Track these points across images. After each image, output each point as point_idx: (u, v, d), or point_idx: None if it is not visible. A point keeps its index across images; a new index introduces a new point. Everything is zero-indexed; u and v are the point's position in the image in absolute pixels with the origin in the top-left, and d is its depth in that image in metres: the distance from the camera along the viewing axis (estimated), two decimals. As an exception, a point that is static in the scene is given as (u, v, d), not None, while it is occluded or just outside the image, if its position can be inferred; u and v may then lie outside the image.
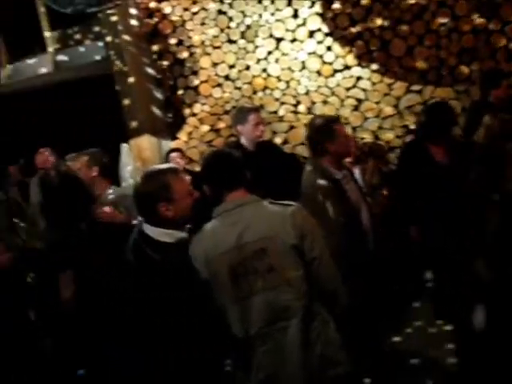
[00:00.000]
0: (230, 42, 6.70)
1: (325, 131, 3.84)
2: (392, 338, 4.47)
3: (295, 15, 6.42)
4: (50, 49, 7.34)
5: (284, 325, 2.50)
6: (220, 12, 6.71)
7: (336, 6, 6.21)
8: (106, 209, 4.13)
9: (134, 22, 6.81)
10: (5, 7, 7.46)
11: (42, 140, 6.92)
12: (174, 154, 6.03)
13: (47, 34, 7.33)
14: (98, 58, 7.18)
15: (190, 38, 6.85)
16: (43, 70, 7.37)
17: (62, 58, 7.31)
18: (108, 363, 3.71)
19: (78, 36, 7.38)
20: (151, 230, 2.64)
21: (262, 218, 2.56)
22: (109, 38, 6.78)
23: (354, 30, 6.20)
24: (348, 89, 6.29)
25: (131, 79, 6.66)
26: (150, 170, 2.73)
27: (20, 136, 7.50)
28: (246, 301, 2.53)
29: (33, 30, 7.40)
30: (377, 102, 6.22)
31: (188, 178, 2.79)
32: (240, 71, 6.67)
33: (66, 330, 4.11)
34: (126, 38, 6.70)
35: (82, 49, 7.31)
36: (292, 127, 6.44)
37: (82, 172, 4.46)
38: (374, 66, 6.18)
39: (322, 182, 3.74)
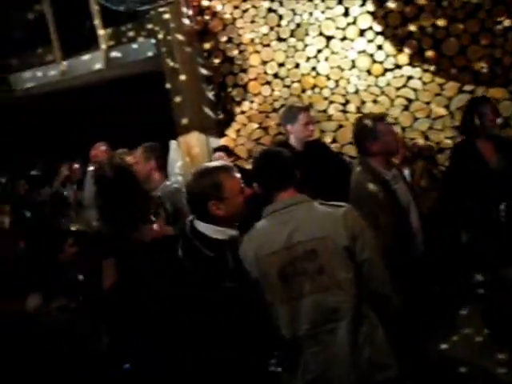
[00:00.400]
0: (280, 40, 6.69)
1: (369, 130, 3.81)
2: (439, 345, 4.36)
3: (346, 13, 6.36)
4: (103, 46, 7.45)
5: (332, 327, 2.50)
6: (270, 10, 6.71)
7: (389, 4, 6.13)
8: (155, 226, 4.19)
9: (185, 20, 6.87)
10: (59, 4, 7.63)
11: (94, 136, 7.08)
12: (218, 153, 6.07)
13: (100, 31, 7.44)
14: (149, 55, 7.27)
15: (239, 35, 6.87)
16: (96, 67, 7.49)
17: (114, 54, 7.42)
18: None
19: (130, 33, 7.47)
20: (203, 227, 2.62)
21: (313, 218, 2.56)
22: (160, 36, 6.85)
23: (405, 28, 6.12)
24: (398, 88, 6.20)
25: (182, 77, 6.72)
26: (202, 168, 2.72)
27: (73, 133, 7.67)
28: (295, 301, 2.53)
29: (86, 27, 7.54)
30: (427, 103, 6.11)
31: (239, 175, 2.73)
32: (289, 69, 6.66)
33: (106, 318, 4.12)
34: (178, 35, 6.76)
35: (134, 46, 7.40)
36: (341, 126, 6.39)
37: (138, 165, 4.53)
38: (426, 66, 6.08)
39: (370, 182, 3.71)
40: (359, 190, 3.73)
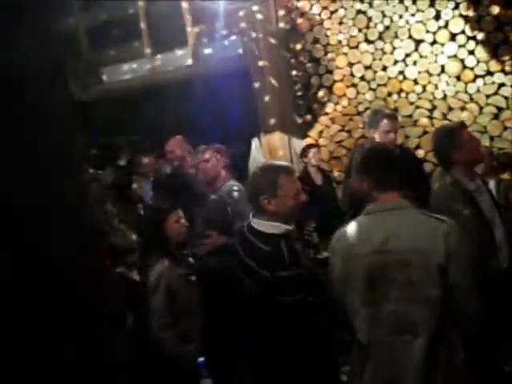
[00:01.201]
0: (368, 42, 6.63)
1: (450, 140, 3.70)
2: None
3: (437, 17, 6.22)
4: (192, 42, 7.59)
5: (409, 339, 2.44)
6: (359, 11, 6.65)
7: (486, 8, 5.94)
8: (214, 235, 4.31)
9: (273, 20, 6.91)
10: (152, 0, 7.83)
11: (178, 131, 7.21)
12: (314, 150, 6.08)
13: (190, 28, 7.58)
14: (238, 53, 7.34)
15: (327, 36, 6.85)
16: (185, 63, 7.64)
17: (203, 51, 7.54)
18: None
19: (219, 31, 7.56)
20: (258, 223, 2.79)
21: (413, 227, 2.46)
22: (249, 34, 6.91)
23: (500, 33, 5.92)
24: (488, 96, 6.01)
25: (268, 76, 6.77)
26: (265, 165, 2.98)
27: (158, 126, 7.85)
28: (377, 306, 2.48)
29: (176, 23, 7.69)
30: (519, 111, 5.91)
31: (298, 182, 2.88)
32: (376, 72, 6.59)
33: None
34: (267, 35, 6.80)
35: (222, 43, 7.50)
36: (426, 132, 6.26)
37: (210, 163, 4.68)
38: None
39: (452, 195, 3.62)
40: (440, 202, 3.63)
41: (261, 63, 6.79)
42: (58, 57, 1.23)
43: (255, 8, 6.59)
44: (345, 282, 2.58)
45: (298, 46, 7.01)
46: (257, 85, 6.85)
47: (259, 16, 6.76)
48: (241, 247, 2.85)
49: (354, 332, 2.59)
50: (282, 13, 6.97)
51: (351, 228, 2.62)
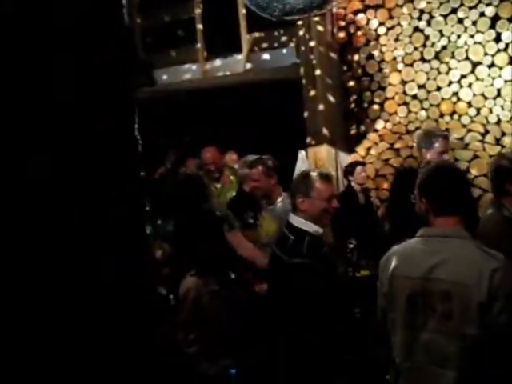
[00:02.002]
0: (423, 60, 6.54)
1: (508, 172, 3.61)
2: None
3: (497, 39, 6.10)
4: (244, 51, 7.60)
5: (438, 371, 2.38)
6: (417, 29, 6.57)
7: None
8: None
9: (328, 32, 6.87)
10: (209, 6, 7.87)
11: (225, 136, 7.23)
12: (359, 168, 6.00)
13: (244, 35, 7.59)
14: (290, 62, 7.32)
15: (382, 52, 6.78)
16: (236, 70, 7.65)
17: (256, 59, 7.54)
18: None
19: (273, 40, 7.57)
20: (293, 218, 3.12)
21: (463, 260, 2.38)
22: (303, 45, 6.89)
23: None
24: (545, 123, 5.86)
25: (318, 87, 6.73)
26: (308, 170, 3.44)
27: (205, 130, 7.89)
28: (415, 332, 2.44)
29: (232, 29, 7.71)
30: None
31: (333, 188, 3.22)
32: (429, 92, 6.49)
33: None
34: (320, 46, 6.77)
35: (276, 52, 7.49)
36: (476, 156, 6.11)
37: (260, 182, 4.54)
38: None
39: (501, 226, 3.52)
40: (488, 232, 3.54)
41: (310, 74, 6.75)
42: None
43: (313, 19, 6.55)
44: (389, 300, 2.55)
45: (350, 60, 6.95)
46: (307, 96, 6.81)
47: (317, 27, 6.72)
48: (275, 241, 3.26)
49: (390, 348, 2.57)
50: (338, 25, 6.93)
51: (401, 249, 2.58)
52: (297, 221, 3.11)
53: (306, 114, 6.81)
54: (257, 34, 7.59)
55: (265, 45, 7.57)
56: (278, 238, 3.28)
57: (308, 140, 6.81)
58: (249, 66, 7.55)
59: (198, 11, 7.83)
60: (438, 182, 2.52)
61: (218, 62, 7.79)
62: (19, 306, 1.10)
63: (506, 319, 2.29)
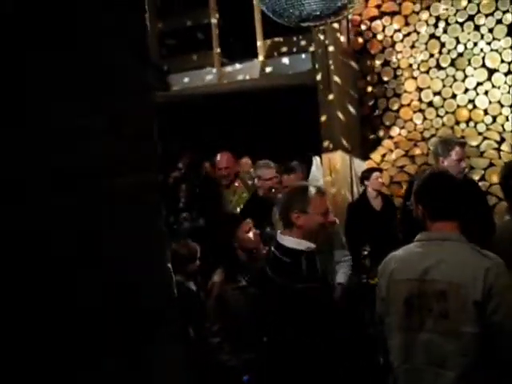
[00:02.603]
0: (439, 68, 6.53)
1: None
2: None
3: (514, 46, 6.08)
4: (261, 56, 7.61)
5: (439, 371, 2.40)
6: (432, 36, 6.56)
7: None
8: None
9: (343, 39, 6.88)
10: (225, 12, 7.90)
11: (240, 142, 7.25)
12: (376, 174, 5.97)
13: (260, 41, 7.61)
14: (305, 69, 7.33)
15: (397, 59, 6.77)
16: (252, 76, 7.67)
17: (271, 65, 7.55)
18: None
19: (288, 46, 7.58)
20: (283, 239, 3.03)
21: (456, 261, 2.43)
22: (318, 52, 6.89)
23: None
24: (561, 132, 5.83)
25: (332, 94, 6.73)
26: (301, 184, 3.34)
27: (219, 135, 7.92)
28: (412, 334, 2.48)
29: (248, 35, 7.73)
30: None
31: (327, 202, 3.13)
32: (445, 99, 6.47)
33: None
34: (334, 53, 6.77)
35: (290, 58, 7.49)
36: (492, 164, 6.07)
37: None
38: None
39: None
40: (502, 240, 3.53)
41: (325, 80, 6.75)
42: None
43: (330, 25, 6.55)
44: (387, 304, 2.60)
45: (365, 67, 6.95)
46: (322, 102, 6.81)
47: (333, 33, 6.72)
48: (267, 263, 3.15)
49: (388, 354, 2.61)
50: (351, 32, 6.93)
51: (399, 253, 2.64)
52: (288, 241, 3.01)
53: (321, 120, 6.81)
54: (273, 40, 7.60)
55: (281, 50, 7.57)
56: (270, 262, 3.13)
57: (323, 146, 6.80)
58: (265, 71, 7.55)
59: (215, 16, 7.85)
60: (432, 188, 2.60)
61: (234, 67, 7.80)
62: (19, 302, 1.11)
63: (500, 317, 2.32)
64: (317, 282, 2.96)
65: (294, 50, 7.52)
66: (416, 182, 2.75)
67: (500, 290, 2.34)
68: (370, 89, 6.97)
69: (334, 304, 3.20)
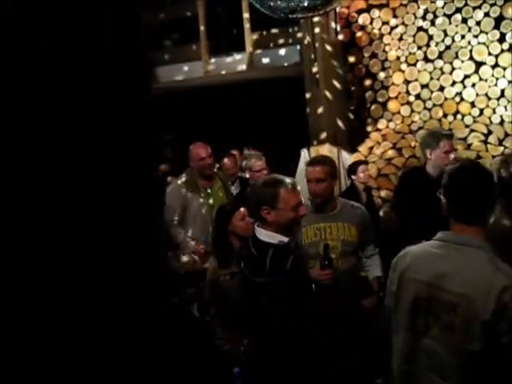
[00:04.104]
0: (427, 60, 6.53)
1: None
2: None
3: (501, 39, 6.08)
4: (249, 48, 7.58)
5: (434, 380, 2.31)
6: (420, 29, 6.56)
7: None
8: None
9: (332, 31, 6.87)
10: (212, 5, 7.86)
11: (227, 133, 7.22)
12: (363, 166, 5.95)
13: (248, 34, 7.58)
14: (293, 62, 7.31)
15: (385, 52, 6.77)
16: (239, 68, 7.64)
17: (259, 58, 7.53)
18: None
19: (276, 38, 7.56)
20: (258, 231, 2.99)
21: (473, 272, 2.25)
22: (306, 44, 6.88)
23: None
24: (548, 124, 5.85)
25: (321, 87, 6.72)
26: (269, 177, 3.13)
27: (207, 127, 7.88)
28: (416, 336, 2.38)
29: (235, 28, 7.70)
30: None
31: (299, 195, 3.01)
32: (433, 92, 6.47)
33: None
34: (323, 45, 6.76)
35: (279, 51, 7.48)
36: (479, 157, 6.08)
37: (326, 182, 4.65)
38: None
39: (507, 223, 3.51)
40: (495, 232, 3.53)
41: (313, 73, 6.74)
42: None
43: (316, 18, 6.54)
44: (396, 300, 2.48)
45: (353, 59, 6.94)
46: (310, 95, 6.80)
47: (320, 26, 6.71)
48: (243, 257, 3.10)
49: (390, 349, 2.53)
50: (339, 25, 6.92)
51: (415, 250, 2.47)
52: (262, 233, 2.97)
53: (308, 113, 6.79)
54: (261, 33, 7.58)
55: (269, 43, 7.55)
56: (245, 253, 3.10)
57: (310, 139, 6.79)
58: (253, 63, 7.53)
59: (201, 9, 7.81)
60: (463, 185, 2.32)
61: (220, 61, 7.77)
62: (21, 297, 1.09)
63: (510, 340, 2.17)
64: (281, 277, 2.85)
65: (282, 42, 7.50)
66: (445, 175, 2.45)
67: None
68: (357, 81, 6.95)
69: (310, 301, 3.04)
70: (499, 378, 2.22)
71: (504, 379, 2.21)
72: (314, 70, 6.76)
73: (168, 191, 5.01)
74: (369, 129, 6.88)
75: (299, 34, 7.14)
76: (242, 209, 3.82)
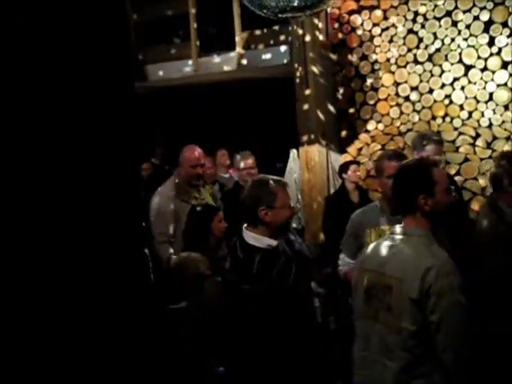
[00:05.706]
0: (417, 62, 6.55)
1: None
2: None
3: (491, 43, 6.11)
4: (239, 48, 7.55)
5: (385, 363, 2.46)
6: (410, 31, 6.58)
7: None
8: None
9: (322, 32, 6.86)
10: (203, 4, 7.82)
11: (215, 133, 7.21)
12: (354, 166, 5.98)
13: (238, 33, 7.55)
14: (282, 61, 7.30)
15: (375, 53, 6.78)
16: (228, 68, 7.62)
17: (248, 57, 7.51)
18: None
19: (266, 38, 7.54)
20: (245, 232, 2.98)
21: (406, 256, 2.48)
22: (295, 44, 6.87)
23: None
24: (536, 128, 5.89)
25: (310, 87, 6.71)
26: (262, 177, 3.10)
27: (196, 126, 7.87)
28: (370, 322, 2.54)
29: (226, 26, 7.68)
30: None
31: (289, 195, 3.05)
32: (422, 94, 6.50)
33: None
34: (312, 46, 6.75)
35: (268, 51, 7.46)
36: (467, 160, 6.09)
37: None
38: None
39: (488, 220, 3.67)
40: (479, 227, 3.70)
41: (302, 74, 6.73)
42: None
43: (303, 18, 6.53)
44: (354, 290, 2.70)
45: (343, 60, 6.95)
46: (299, 95, 6.79)
47: (311, 26, 6.70)
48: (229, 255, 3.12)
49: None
50: (329, 25, 6.92)
51: (373, 244, 2.71)
52: (250, 236, 2.96)
53: (298, 113, 6.79)
54: (251, 32, 7.55)
55: (259, 43, 7.53)
56: (231, 255, 3.10)
57: (300, 139, 6.78)
58: (243, 63, 7.51)
59: (192, 7, 7.77)
60: (402, 181, 2.59)
61: (212, 59, 7.74)
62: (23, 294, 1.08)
63: (438, 317, 2.33)
64: (267, 283, 2.84)
65: (272, 42, 7.49)
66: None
67: (439, 290, 2.34)
68: (347, 82, 6.96)
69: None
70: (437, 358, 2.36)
71: (439, 355, 2.35)
72: (304, 70, 6.75)
73: (157, 203, 4.73)
74: (358, 130, 6.88)
75: (289, 35, 7.13)
76: (220, 212, 4.04)
